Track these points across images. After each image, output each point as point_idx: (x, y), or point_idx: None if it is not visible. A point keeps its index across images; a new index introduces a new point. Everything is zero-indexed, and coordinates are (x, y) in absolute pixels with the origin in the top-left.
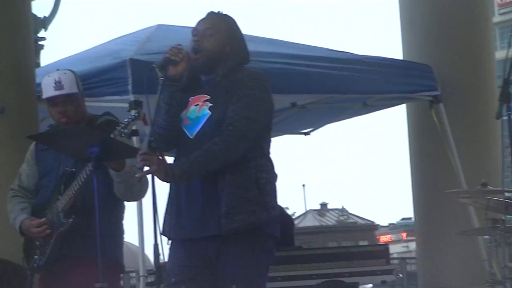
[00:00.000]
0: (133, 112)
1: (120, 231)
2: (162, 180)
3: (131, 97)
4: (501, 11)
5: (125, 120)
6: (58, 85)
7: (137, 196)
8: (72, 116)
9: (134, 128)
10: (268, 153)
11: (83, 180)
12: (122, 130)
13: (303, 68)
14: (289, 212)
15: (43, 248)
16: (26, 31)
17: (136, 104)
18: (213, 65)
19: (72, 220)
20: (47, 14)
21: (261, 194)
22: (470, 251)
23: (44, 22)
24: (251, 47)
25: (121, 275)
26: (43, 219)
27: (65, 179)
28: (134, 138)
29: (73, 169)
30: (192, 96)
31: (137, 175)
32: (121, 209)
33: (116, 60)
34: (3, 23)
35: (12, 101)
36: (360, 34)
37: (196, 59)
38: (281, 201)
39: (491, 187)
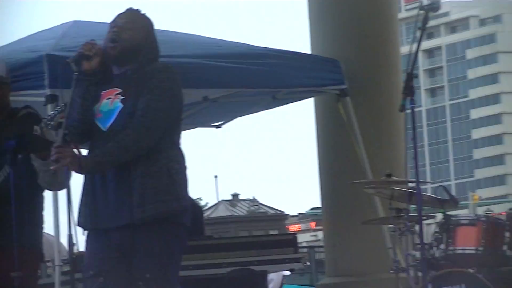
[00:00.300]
0: (50, 107)
1: (40, 220)
2: (76, 172)
3: (48, 92)
4: (407, 7)
5: (51, 112)
6: None
7: (62, 185)
8: None
9: (60, 120)
10: (179, 144)
11: (8, 171)
12: (48, 122)
13: (214, 63)
14: (202, 202)
15: None
16: None
17: (52, 99)
18: (127, 57)
19: None
20: None
21: (172, 184)
22: (375, 239)
23: None
24: (163, 42)
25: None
26: None
27: None
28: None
29: None
30: (104, 90)
31: (51, 167)
32: (42, 199)
33: (33, 55)
34: None
35: None
36: (270, 28)
37: (112, 48)
38: (194, 192)
39: (395, 178)
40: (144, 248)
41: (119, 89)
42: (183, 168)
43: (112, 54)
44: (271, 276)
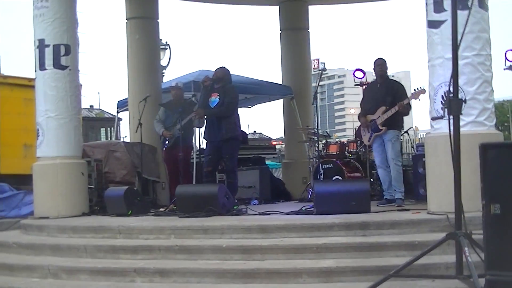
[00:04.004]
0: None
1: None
2: (202, 119)
3: (192, 93)
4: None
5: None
6: None
7: (201, 124)
8: None
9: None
10: (238, 113)
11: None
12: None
13: (252, 86)
14: None
15: None
16: None
17: (193, 95)
18: (218, 81)
19: None
20: None
21: (235, 126)
22: None
23: None
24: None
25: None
26: None
27: None
28: None
29: None
30: (212, 93)
31: (196, 117)
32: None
33: (187, 80)
34: None
35: None
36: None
37: (212, 79)
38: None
39: None
40: (226, 147)
41: (217, 94)
42: (239, 121)
43: (213, 80)
44: None
